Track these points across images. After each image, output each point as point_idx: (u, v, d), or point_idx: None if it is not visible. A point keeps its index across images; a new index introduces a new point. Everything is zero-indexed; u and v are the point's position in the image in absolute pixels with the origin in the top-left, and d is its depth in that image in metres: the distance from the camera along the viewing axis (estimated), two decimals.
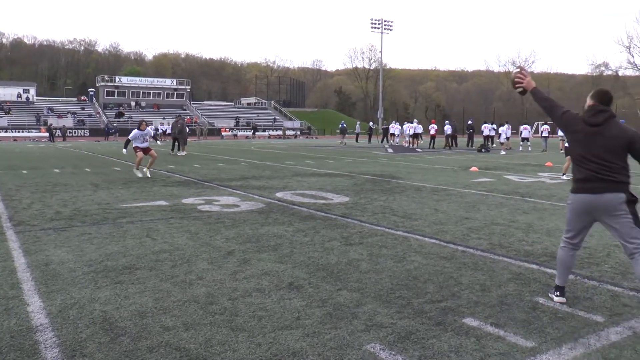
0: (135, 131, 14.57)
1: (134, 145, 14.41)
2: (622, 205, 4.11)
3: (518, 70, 4.82)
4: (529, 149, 32.75)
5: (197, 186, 12.55)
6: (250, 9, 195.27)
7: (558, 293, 4.48)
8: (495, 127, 38.00)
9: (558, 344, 3.62)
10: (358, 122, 56.10)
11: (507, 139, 32.50)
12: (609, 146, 4.12)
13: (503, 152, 29.50)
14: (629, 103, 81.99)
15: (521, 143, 33.70)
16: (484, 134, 35.04)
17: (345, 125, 45.67)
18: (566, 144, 16.40)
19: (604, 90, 4.38)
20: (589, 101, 4.33)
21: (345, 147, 36.85)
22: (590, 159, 4.18)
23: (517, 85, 4.76)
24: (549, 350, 3.52)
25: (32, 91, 74.09)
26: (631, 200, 4.14)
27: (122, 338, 3.66)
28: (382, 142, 43.70)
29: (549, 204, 9.98)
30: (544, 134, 33.93)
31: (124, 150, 14.62)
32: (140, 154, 14.33)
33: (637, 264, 4.10)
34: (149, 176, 14.43)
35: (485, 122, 37.15)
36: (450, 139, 34.88)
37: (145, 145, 14.57)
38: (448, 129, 34.95)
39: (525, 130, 33.60)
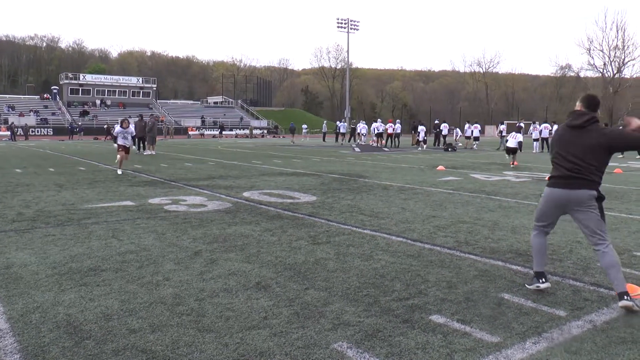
0: (117, 128, 15.86)
1: (118, 143, 15.50)
2: (592, 200, 4.40)
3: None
4: (474, 147, 33.90)
5: (164, 186, 12.41)
6: (216, 7, 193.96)
7: (543, 279, 4.66)
8: (448, 126, 39.26)
9: (522, 339, 3.69)
10: (325, 122, 56.39)
11: (468, 137, 34.24)
12: (587, 147, 4.41)
13: (419, 149, 32.50)
14: None
15: (474, 142, 35.11)
16: (442, 133, 36.70)
17: (294, 125, 47.50)
18: (508, 144, 18.40)
19: (592, 95, 4.70)
20: (577, 105, 4.67)
21: (295, 146, 37.61)
22: (568, 159, 4.49)
23: None
24: (514, 345, 3.58)
25: None
26: (599, 197, 4.45)
27: (86, 341, 3.60)
28: (349, 141, 43.88)
29: (514, 201, 10.15)
30: (503, 134, 35.09)
31: (115, 145, 16.35)
32: (122, 154, 15.36)
33: (601, 255, 4.40)
34: (120, 173, 15.35)
35: (443, 122, 38.93)
36: (395, 138, 36.58)
37: (128, 143, 15.73)
38: (398, 127, 36.83)
39: (476, 130, 34.99)
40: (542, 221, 4.75)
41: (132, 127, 16.31)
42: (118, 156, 15.55)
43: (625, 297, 4.21)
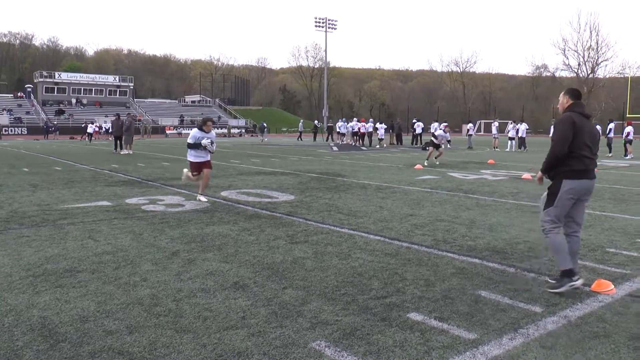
0: (194, 132, 10.26)
1: (189, 160, 10.29)
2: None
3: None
4: (449, 146, 34.43)
5: (141, 186, 12.30)
6: (193, 5, 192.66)
7: (577, 277, 4.66)
8: (422, 125, 39.56)
9: (499, 335, 3.73)
10: (301, 121, 56.26)
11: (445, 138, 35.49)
12: (595, 137, 4.76)
13: (385, 146, 33.99)
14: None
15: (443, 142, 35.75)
16: (415, 132, 37.35)
17: (264, 124, 47.23)
18: (432, 138, 19.89)
19: (576, 88, 5.01)
20: (569, 99, 4.84)
21: (265, 144, 38.06)
22: (592, 149, 4.74)
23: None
24: (491, 341, 3.62)
25: None
26: None
27: (62, 344, 3.55)
28: (327, 140, 43.82)
29: (491, 200, 10.25)
30: (469, 132, 35.88)
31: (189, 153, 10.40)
32: (203, 172, 10.21)
33: (577, 240, 4.84)
34: (204, 200, 9.98)
35: (418, 121, 39.37)
36: (368, 137, 37.12)
37: (202, 159, 10.21)
38: (369, 127, 37.40)
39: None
40: (560, 216, 4.75)
41: (213, 132, 10.46)
42: (190, 175, 10.54)
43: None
